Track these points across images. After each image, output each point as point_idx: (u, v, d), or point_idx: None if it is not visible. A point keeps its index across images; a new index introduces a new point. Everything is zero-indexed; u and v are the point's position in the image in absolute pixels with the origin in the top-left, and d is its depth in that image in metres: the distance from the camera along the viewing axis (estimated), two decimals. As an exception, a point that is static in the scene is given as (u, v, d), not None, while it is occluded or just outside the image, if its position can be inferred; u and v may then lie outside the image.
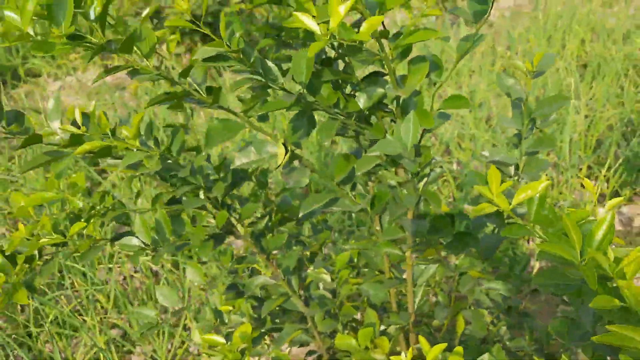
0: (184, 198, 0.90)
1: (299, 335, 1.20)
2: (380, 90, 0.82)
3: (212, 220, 1.01)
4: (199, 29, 0.71)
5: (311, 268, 1.17)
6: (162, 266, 2.33)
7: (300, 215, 0.96)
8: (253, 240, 1.05)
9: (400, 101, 0.84)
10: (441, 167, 1.12)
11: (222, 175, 0.98)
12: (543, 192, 0.69)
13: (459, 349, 1.01)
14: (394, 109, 0.87)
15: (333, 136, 0.79)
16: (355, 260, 1.29)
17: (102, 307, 2.10)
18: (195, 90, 0.83)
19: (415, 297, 1.17)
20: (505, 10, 4.55)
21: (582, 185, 2.65)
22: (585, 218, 0.67)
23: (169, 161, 0.88)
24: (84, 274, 2.13)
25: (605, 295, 0.61)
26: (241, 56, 0.69)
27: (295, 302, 1.19)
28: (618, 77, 3.13)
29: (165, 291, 1.00)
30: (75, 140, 0.78)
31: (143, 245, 0.86)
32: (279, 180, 2.50)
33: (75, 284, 2.10)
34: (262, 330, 1.16)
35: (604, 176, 2.48)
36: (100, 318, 2.03)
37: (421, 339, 0.97)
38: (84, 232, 0.91)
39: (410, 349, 0.97)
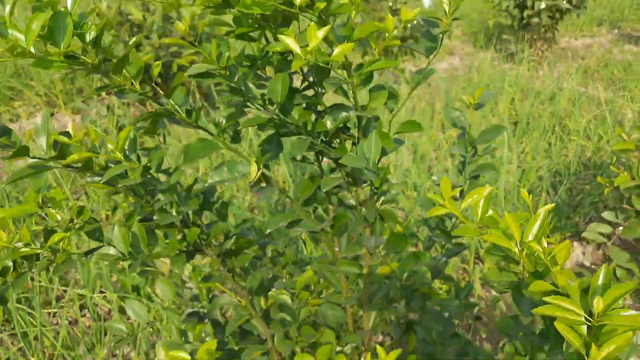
0: (155, 217, 0.96)
1: (259, 355, 1.24)
2: (345, 114, 0.92)
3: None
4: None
5: (273, 290, 1.23)
6: (109, 311, 2.29)
7: (267, 231, 1.03)
8: (220, 259, 1.11)
9: (363, 123, 0.94)
10: (395, 190, 1.22)
11: (193, 194, 1.05)
12: (488, 196, 0.80)
13: (412, 357, 1.09)
14: (355, 133, 0.98)
15: (303, 152, 0.88)
16: (312, 287, 1.36)
17: (44, 353, 2.04)
18: (177, 111, 0.91)
19: (370, 317, 1.24)
20: (442, 72, 4.88)
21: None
22: (524, 219, 0.78)
23: (148, 176, 0.94)
24: (31, 315, 2.08)
25: (540, 281, 0.71)
26: (227, 73, 0.78)
27: (256, 322, 1.24)
28: (546, 133, 3.41)
29: (135, 305, 1.03)
30: (63, 151, 0.84)
31: (120, 255, 0.90)
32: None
33: (22, 323, 2.04)
34: (224, 350, 1.19)
35: (537, 221, 2.67)
36: (46, 361, 1.97)
37: (378, 347, 1.04)
38: (60, 245, 0.94)
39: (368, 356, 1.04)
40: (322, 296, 1.30)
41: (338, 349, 1.34)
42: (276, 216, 1.06)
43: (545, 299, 0.65)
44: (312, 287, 1.35)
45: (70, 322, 2.18)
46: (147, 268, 1.07)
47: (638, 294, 2.32)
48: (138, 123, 0.83)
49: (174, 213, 1.01)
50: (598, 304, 0.63)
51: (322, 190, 0.98)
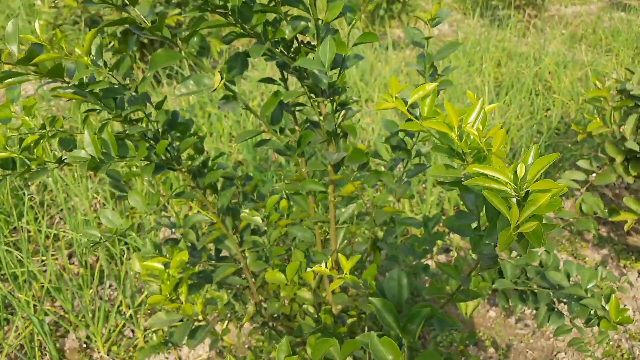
0: (127, 127, 1.01)
1: (232, 272, 1.29)
2: (303, 23, 0.97)
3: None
4: None
5: (244, 210, 1.28)
6: (97, 259, 2.35)
7: (235, 144, 1.08)
8: (190, 175, 1.16)
9: (321, 34, 0.99)
10: (356, 105, 1.26)
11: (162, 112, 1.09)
12: (433, 93, 0.84)
13: (373, 266, 1.14)
14: (315, 43, 1.03)
15: (260, 55, 0.93)
16: (280, 206, 1.40)
17: (34, 296, 2.10)
18: (143, 20, 0.95)
19: (338, 237, 1.30)
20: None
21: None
22: (464, 113, 0.83)
23: (115, 86, 0.99)
24: (20, 261, 2.14)
25: (477, 164, 0.76)
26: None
27: (230, 243, 1.30)
28: (530, 93, 3.46)
29: (108, 214, 1.08)
30: (32, 53, 0.88)
31: (90, 157, 0.95)
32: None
33: (11, 265, 2.10)
34: (197, 270, 1.25)
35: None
36: (34, 304, 2.03)
37: (340, 256, 1.10)
38: (35, 152, 0.99)
39: (330, 263, 1.09)
40: (290, 217, 1.35)
41: (308, 270, 1.40)
42: (243, 133, 1.11)
43: (476, 168, 0.70)
44: (281, 209, 1.40)
45: (58, 269, 2.24)
46: (118, 184, 1.11)
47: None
48: (105, 27, 0.88)
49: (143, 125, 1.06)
50: (521, 169, 0.68)
51: (285, 100, 1.03)
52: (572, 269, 1.61)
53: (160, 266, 1.12)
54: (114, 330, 2.05)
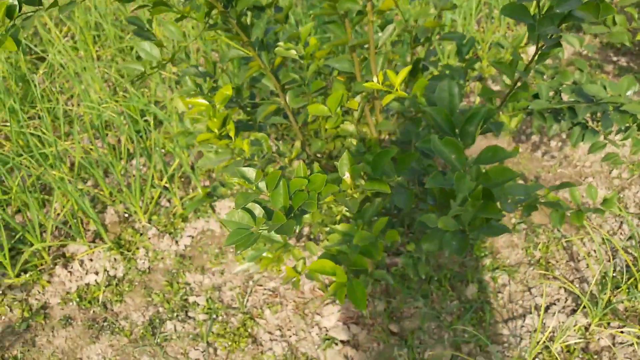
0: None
1: (273, 110, 1.27)
2: None
3: None
4: None
5: (279, 44, 1.24)
6: (119, 140, 2.34)
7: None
8: (222, 3, 1.10)
9: None
10: None
11: None
12: None
13: (422, 79, 1.12)
14: None
15: None
16: (311, 43, 1.34)
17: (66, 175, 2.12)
18: None
19: (377, 64, 1.26)
20: None
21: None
22: None
23: None
24: (45, 143, 2.13)
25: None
26: None
27: (267, 80, 1.27)
28: None
29: (146, 45, 1.04)
30: None
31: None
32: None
33: (39, 147, 2.10)
34: (240, 104, 1.23)
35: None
36: (69, 180, 2.06)
37: (389, 72, 1.07)
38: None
39: (380, 74, 1.07)
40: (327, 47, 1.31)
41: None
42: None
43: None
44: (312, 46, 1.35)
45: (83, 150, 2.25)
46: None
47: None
48: None
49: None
50: None
51: None
52: (606, 84, 1.59)
53: (205, 102, 1.10)
54: (150, 202, 2.09)
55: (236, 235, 0.75)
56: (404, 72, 1.04)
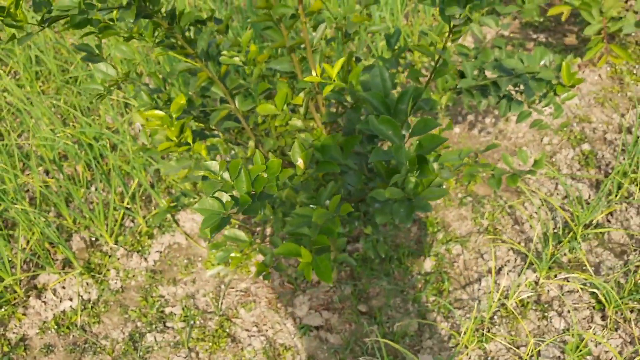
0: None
1: (225, 115, 1.37)
2: None
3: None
4: None
5: (224, 53, 1.34)
6: (75, 169, 2.38)
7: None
8: (168, 19, 1.20)
9: None
10: None
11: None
12: None
13: (357, 68, 1.24)
14: None
15: None
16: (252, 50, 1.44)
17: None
18: None
19: (315, 61, 1.38)
20: None
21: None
22: None
23: None
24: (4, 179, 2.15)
25: None
26: None
27: (216, 88, 1.37)
28: None
29: (102, 66, 1.12)
30: None
31: (75, 4, 0.98)
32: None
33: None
34: (193, 114, 1.33)
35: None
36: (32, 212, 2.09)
37: (325, 65, 1.19)
38: (16, 16, 1.01)
39: (317, 68, 1.18)
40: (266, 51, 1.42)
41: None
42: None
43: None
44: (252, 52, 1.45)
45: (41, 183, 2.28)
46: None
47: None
48: None
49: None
50: None
51: None
52: (523, 57, 1.76)
53: (162, 113, 1.19)
54: (115, 224, 2.15)
55: (209, 220, 0.85)
56: (339, 63, 1.16)
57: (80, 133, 2.31)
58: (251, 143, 1.38)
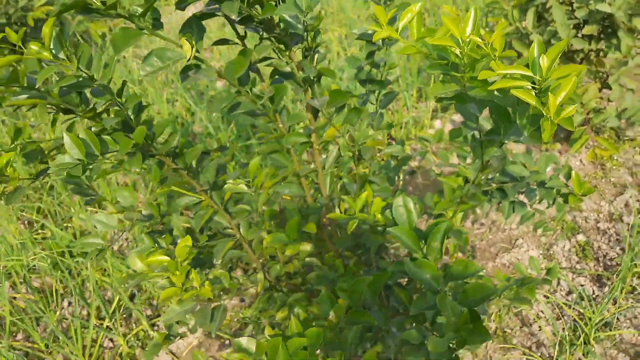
0: (104, 116, 0.93)
1: (231, 247, 1.26)
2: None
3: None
4: None
5: (229, 182, 1.24)
6: (43, 284, 2.20)
7: (214, 114, 1.04)
8: (171, 158, 1.10)
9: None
10: (325, 47, 1.25)
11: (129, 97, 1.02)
12: (419, 14, 0.85)
13: (377, 199, 1.16)
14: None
15: (236, 11, 0.88)
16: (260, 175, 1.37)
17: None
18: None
19: (326, 182, 1.29)
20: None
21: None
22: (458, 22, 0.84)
23: (80, 79, 0.90)
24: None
25: (501, 65, 0.79)
26: None
27: (220, 217, 1.26)
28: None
29: (102, 217, 1.00)
30: (-13, 60, 0.78)
31: (77, 161, 0.87)
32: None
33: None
34: (198, 246, 1.21)
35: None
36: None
37: (347, 198, 1.10)
38: (7, 173, 0.89)
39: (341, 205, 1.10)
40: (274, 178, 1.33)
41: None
42: (215, 101, 1.06)
43: (501, 70, 0.72)
44: (261, 177, 1.37)
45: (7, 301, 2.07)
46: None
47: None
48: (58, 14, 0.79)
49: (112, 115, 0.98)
50: (543, 60, 0.72)
51: (258, 56, 0.99)
52: (522, 159, 1.72)
53: (167, 258, 1.07)
54: (93, 346, 1.95)
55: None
56: (362, 197, 1.08)
57: (50, 243, 2.14)
58: (260, 276, 1.27)
